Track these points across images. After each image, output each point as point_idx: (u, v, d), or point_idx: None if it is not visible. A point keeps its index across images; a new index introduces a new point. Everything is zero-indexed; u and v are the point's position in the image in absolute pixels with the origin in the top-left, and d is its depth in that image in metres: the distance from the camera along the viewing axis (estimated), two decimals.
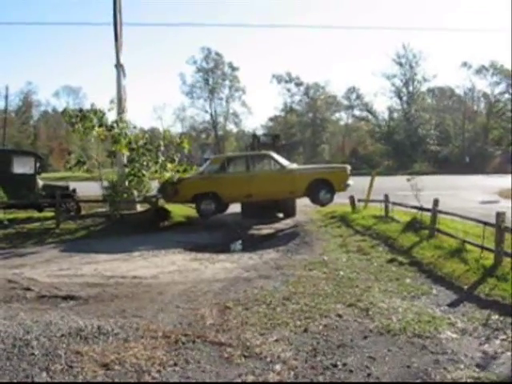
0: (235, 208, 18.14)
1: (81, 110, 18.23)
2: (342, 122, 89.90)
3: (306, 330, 6.04)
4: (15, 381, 4.77)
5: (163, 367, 5.02)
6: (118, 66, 19.78)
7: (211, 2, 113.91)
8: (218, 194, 16.14)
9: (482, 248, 9.33)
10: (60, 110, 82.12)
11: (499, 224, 8.81)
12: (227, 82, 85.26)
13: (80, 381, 4.17)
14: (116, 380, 4.75)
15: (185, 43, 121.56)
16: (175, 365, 5.08)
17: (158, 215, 17.09)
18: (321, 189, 16.02)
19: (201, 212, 16.47)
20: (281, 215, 18.24)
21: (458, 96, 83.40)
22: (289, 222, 17.09)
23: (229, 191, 16.18)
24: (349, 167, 16.90)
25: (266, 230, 15.84)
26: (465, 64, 77.68)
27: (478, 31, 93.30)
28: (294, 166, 17.71)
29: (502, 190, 27.83)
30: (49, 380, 4.77)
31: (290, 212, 17.98)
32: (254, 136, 22.42)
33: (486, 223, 9.57)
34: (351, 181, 16.43)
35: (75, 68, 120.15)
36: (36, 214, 18.44)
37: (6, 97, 46.93)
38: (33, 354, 5.38)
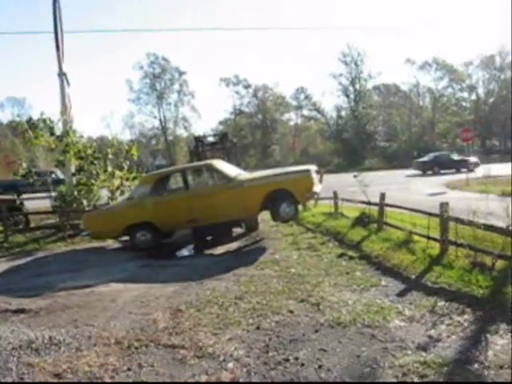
0: None
1: (30, 119, 18.22)
2: (291, 123, 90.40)
3: (258, 328, 6.12)
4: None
5: (116, 373, 5.03)
6: (61, 75, 19.51)
7: (154, 8, 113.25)
8: (153, 223, 13.13)
9: (429, 238, 9.57)
10: (5, 121, 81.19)
11: (443, 214, 9.07)
12: (175, 87, 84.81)
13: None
14: None
15: (130, 50, 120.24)
16: (129, 370, 5.09)
17: None
18: (281, 202, 12.78)
19: (135, 245, 13.26)
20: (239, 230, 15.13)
21: (403, 92, 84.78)
22: (249, 237, 14.42)
23: (166, 218, 13.06)
24: (313, 169, 13.45)
25: (221, 249, 13.05)
26: (408, 60, 79.33)
27: (420, 28, 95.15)
28: (245, 174, 14.09)
29: (449, 182, 28.57)
30: None
31: (252, 225, 14.90)
32: (197, 138, 19.64)
33: (430, 214, 9.83)
34: (319, 186, 13.53)
35: (19, 78, 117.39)
36: None
37: None
38: None
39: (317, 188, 13.09)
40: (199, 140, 19.21)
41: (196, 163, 15.87)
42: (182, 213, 12.99)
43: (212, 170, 13.49)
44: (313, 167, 13.50)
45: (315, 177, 13.13)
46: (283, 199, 12.74)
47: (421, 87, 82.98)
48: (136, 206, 13.28)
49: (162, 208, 13.05)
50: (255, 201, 12.74)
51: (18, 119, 78.40)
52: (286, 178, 12.93)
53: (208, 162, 14.59)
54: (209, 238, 14.35)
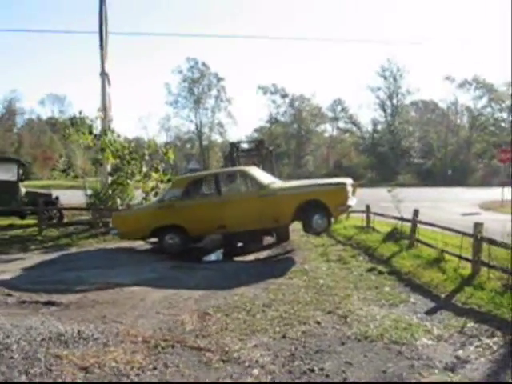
0: None
1: (74, 117, 18.64)
2: (326, 134, 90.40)
3: (284, 336, 6.11)
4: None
5: (142, 371, 5.06)
6: (103, 75, 19.88)
7: (197, 13, 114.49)
8: (182, 226, 12.90)
9: (460, 258, 9.46)
10: (45, 117, 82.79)
11: (476, 234, 8.95)
12: (213, 93, 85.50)
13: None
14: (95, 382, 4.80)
15: (171, 53, 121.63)
16: (154, 369, 5.12)
17: None
18: (314, 213, 12.25)
19: (163, 248, 13.06)
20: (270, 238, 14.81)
21: (441, 109, 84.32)
22: (279, 246, 14.19)
23: (196, 223, 12.78)
24: (349, 182, 12.84)
25: (250, 257, 12.98)
26: (448, 78, 78.76)
27: (461, 45, 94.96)
28: (278, 183, 13.65)
29: (484, 203, 28.19)
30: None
31: (283, 235, 14.40)
32: (232, 144, 19.34)
33: (464, 233, 9.71)
34: (353, 200, 12.88)
35: (61, 76, 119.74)
36: (18, 221, 18.41)
37: None
38: (12, 357, 5.39)
39: (351, 201, 12.55)
40: (235, 146, 19.04)
41: (230, 169, 15.92)
42: (213, 218, 12.70)
43: (246, 176, 13.23)
44: (348, 180, 13.01)
45: (350, 190, 12.54)
46: (316, 211, 12.22)
47: (459, 105, 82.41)
48: (166, 208, 13.04)
49: (192, 212, 12.77)
50: (288, 210, 12.31)
51: (57, 116, 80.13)
52: (321, 190, 12.51)
53: (242, 168, 14.58)
54: (239, 244, 14.37)
